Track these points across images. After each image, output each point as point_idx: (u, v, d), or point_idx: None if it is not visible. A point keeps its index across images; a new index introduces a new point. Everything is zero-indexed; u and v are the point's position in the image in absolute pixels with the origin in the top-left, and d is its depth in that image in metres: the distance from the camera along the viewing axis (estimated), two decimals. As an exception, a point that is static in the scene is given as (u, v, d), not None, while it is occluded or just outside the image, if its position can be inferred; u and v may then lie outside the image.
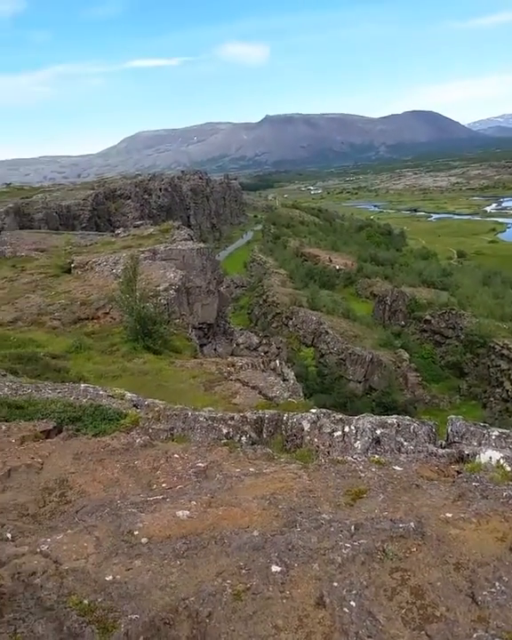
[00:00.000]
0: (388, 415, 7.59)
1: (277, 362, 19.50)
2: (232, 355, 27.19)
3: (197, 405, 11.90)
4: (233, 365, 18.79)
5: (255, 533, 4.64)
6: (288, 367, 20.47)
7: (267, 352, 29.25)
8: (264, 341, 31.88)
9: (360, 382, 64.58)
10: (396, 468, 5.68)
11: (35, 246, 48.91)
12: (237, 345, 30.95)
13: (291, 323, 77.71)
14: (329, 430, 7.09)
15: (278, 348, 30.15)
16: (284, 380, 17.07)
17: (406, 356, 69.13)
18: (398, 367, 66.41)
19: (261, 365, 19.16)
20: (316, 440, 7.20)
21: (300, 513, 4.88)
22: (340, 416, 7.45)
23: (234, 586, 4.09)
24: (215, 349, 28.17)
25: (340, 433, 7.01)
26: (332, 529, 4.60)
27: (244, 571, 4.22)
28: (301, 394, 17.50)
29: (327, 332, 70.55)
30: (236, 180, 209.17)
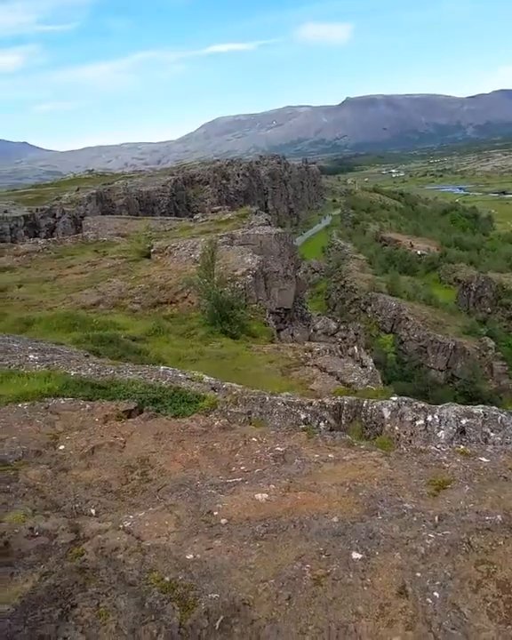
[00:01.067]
0: (472, 405, 7.33)
1: (356, 348, 19.26)
2: (309, 340, 27.08)
3: (274, 390, 11.92)
4: (310, 351, 18.70)
5: (335, 519, 4.58)
6: (366, 354, 20.20)
7: (344, 338, 28.97)
8: (342, 327, 31.59)
9: (442, 371, 63.07)
10: (483, 459, 5.46)
11: (116, 231, 50.31)
12: (315, 330, 30.79)
13: (369, 309, 76.70)
14: (411, 419, 6.92)
15: (356, 334, 29.78)
16: (362, 366, 16.84)
17: (492, 344, 66.80)
18: (483, 356, 64.34)
19: (339, 351, 18.98)
20: (396, 428, 7.05)
21: (381, 501, 4.77)
22: (423, 404, 7.25)
23: (313, 571, 4.05)
24: (292, 334, 28.14)
25: (422, 422, 6.82)
26: (415, 519, 4.48)
27: (323, 556, 4.17)
28: (380, 381, 17.23)
29: (407, 319, 69.19)
30: (314, 164, 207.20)
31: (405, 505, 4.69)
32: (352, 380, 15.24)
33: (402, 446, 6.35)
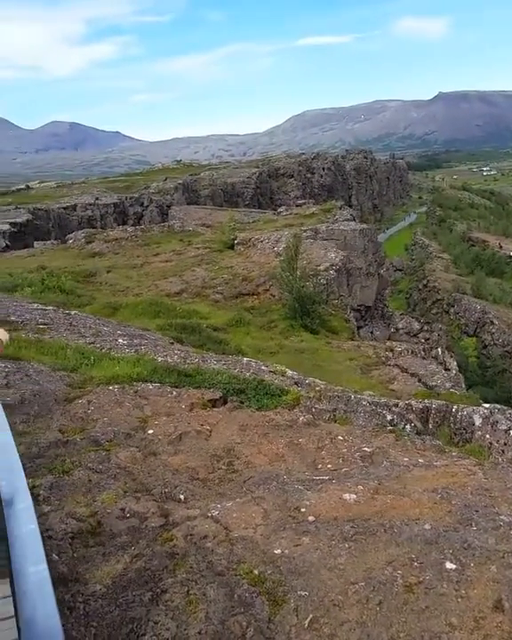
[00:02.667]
0: None
1: (439, 350, 18.79)
2: (389, 339, 26.65)
3: (354, 388, 11.80)
4: (391, 350, 18.39)
5: (426, 526, 4.47)
6: (450, 356, 19.67)
7: (427, 339, 28.33)
8: (425, 328, 30.89)
9: (527, 378, 60.66)
10: None
11: (201, 221, 51.10)
12: (396, 330, 30.24)
13: (452, 310, 74.61)
14: (505, 427, 6.67)
15: (439, 336, 29.10)
16: (445, 369, 16.42)
17: None
18: None
19: (422, 352, 18.56)
20: (488, 436, 6.81)
21: (476, 511, 4.62)
22: (518, 413, 6.98)
23: (405, 577, 3.97)
24: (371, 332, 27.77)
25: (517, 431, 6.57)
26: None
27: (415, 563, 4.08)
28: (463, 385, 16.76)
29: (492, 322, 66.87)
30: (402, 159, 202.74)
31: (502, 517, 4.52)
32: (434, 383, 14.89)
33: (495, 456, 6.13)
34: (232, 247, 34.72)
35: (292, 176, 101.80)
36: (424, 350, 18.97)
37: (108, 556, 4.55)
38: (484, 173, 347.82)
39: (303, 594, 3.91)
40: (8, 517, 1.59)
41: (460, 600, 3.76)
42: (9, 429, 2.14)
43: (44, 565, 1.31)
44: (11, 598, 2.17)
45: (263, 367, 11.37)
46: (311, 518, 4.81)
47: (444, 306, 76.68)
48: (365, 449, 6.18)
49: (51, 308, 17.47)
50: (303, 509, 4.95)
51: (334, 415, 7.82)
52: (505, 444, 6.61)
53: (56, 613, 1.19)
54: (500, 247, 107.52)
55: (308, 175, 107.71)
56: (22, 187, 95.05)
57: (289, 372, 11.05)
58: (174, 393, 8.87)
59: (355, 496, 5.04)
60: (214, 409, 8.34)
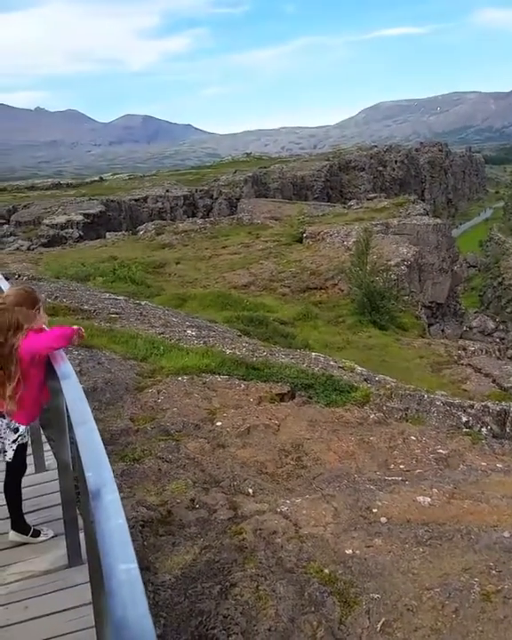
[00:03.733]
0: None
1: (516, 350, 18.11)
2: (461, 338, 25.92)
3: (424, 387, 11.49)
4: (464, 349, 17.87)
5: (506, 534, 4.28)
6: (526, 357, 18.95)
7: (503, 339, 27.38)
8: (501, 327, 29.85)
9: None
10: None
11: (270, 214, 51.03)
12: (469, 328, 29.41)
13: (527, 309, 71.85)
14: None
15: (517, 336, 28.08)
16: (521, 370, 15.82)
17: None
18: None
19: (496, 352, 17.96)
20: None
21: (560, 522, 4.39)
22: None
23: (482, 585, 3.81)
24: (442, 330, 27.09)
25: None
26: None
27: (493, 571, 3.91)
28: (540, 388, 16.07)
29: None
30: (478, 153, 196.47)
31: None
32: (510, 385, 14.34)
33: None
34: (301, 240, 34.54)
35: (363, 169, 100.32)
36: (499, 350, 18.34)
37: (178, 545, 4.56)
38: None
39: (375, 596, 3.80)
40: (95, 510, 1.57)
41: (541, 613, 3.58)
42: (93, 420, 2.13)
43: (135, 564, 1.27)
44: None
45: (332, 362, 11.22)
46: (383, 519, 4.69)
47: (520, 304, 73.95)
48: (440, 451, 5.99)
49: (122, 297, 17.82)
50: (375, 510, 4.83)
51: (406, 414, 7.63)
52: None
53: (148, 615, 1.15)
54: None
55: (380, 168, 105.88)
56: (96, 178, 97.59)
57: (358, 369, 10.87)
58: (242, 386, 8.86)
59: (429, 499, 4.88)
60: (282, 403, 8.28)
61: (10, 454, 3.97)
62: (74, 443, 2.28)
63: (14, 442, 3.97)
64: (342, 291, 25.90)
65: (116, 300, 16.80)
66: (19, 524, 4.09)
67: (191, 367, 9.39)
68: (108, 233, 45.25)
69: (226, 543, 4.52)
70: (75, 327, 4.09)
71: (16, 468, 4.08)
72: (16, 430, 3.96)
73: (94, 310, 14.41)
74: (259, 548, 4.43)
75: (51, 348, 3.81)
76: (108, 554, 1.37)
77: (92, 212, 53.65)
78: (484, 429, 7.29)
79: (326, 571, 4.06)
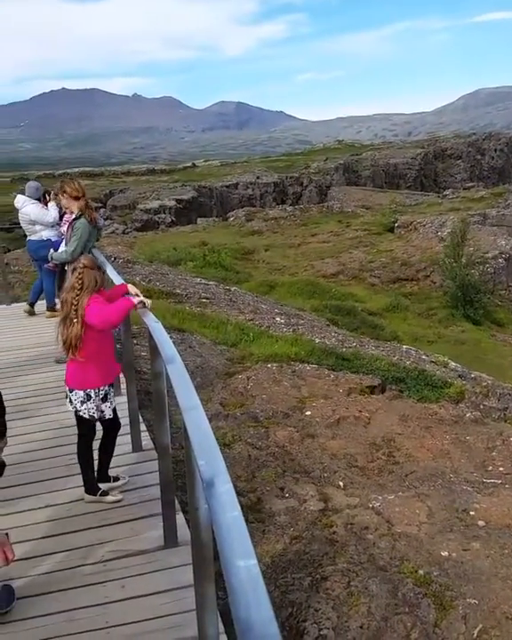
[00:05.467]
0: None
1: None
2: (560, 336, 24.63)
3: (521, 385, 10.98)
4: None
5: None
6: None
7: None
8: None
9: None
10: None
11: (360, 203, 50.18)
12: None
13: None
14: None
15: None
16: None
17: None
18: None
19: None
20: None
21: None
22: None
23: None
24: (540, 327, 25.81)
25: None
26: None
27: None
28: None
29: None
30: None
31: None
32: None
33: None
34: (392, 230, 33.75)
35: (460, 157, 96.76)
36: None
37: (268, 534, 4.55)
38: None
39: (473, 602, 3.65)
40: (210, 499, 1.53)
41: None
42: (201, 406, 2.11)
43: (254, 560, 1.22)
44: None
45: (424, 356, 10.93)
46: (481, 523, 4.50)
47: None
48: (543, 455, 5.69)
49: (212, 282, 18.03)
50: (472, 512, 4.64)
51: (505, 414, 7.31)
52: None
53: (274, 619, 1.09)
54: None
55: (478, 157, 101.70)
56: (189, 165, 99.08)
57: (451, 364, 10.52)
58: (332, 376, 8.75)
59: (531, 505, 4.64)
60: (372, 396, 8.11)
61: (108, 413, 4.28)
62: (182, 428, 2.27)
63: (109, 404, 4.27)
64: (434, 283, 25.16)
65: (207, 285, 17.02)
66: (104, 475, 4.42)
67: (280, 355, 9.37)
68: (199, 219, 45.94)
69: (316, 535, 4.47)
70: (134, 300, 4.23)
71: (115, 426, 4.44)
72: (105, 396, 4.24)
73: (186, 294, 14.66)
74: (350, 543, 4.35)
75: (109, 322, 4.11)
76: (226, 549, 1.33)
77: (184, 197, 54.62)
78: None
79: (421, 571, 3.93)
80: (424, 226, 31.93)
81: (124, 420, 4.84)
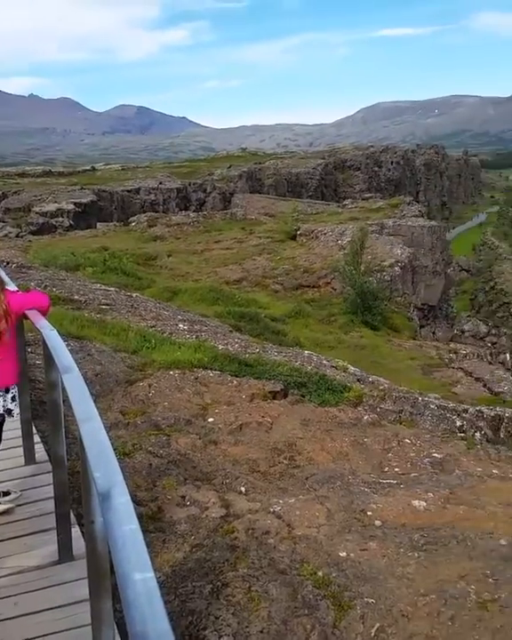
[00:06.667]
0: None
1: (508, 355, 18.15)
2: (451, 341, 25.98)
3: (415, 389, 11.46)
4: (455, 352, 17.89)
5: (502, 542, 4.23)
6: (517, 362, 19.01)
7: (495, 343, 27.45)
8: (493, 331, 29.91)
9: None
10: None
11: (263, 210, 50.92)
12: (461, 332, 29.44)
13: (519, 314, 72.13)
14: None
15: (507, 341, 28.11)
16: (512, 375, 15.84)
17: None
18: None
19: (488, 357, 17.98)
20: None
21: (557, 531, 4.35)
22: None
23: (479, 593, 3.76)
24: (433, 333, 27.13)
25: None
26: None
27: (490, 580, 3.86)
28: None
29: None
30: (475, 157, 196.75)
31: None
32: (500, 389, 14.35)
33: None
34: (294, 238, 34.43)
35: (359, 169, 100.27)
36: (491, 354, 18.36)
37: (168, 543, 4.48)
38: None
39: (370, 601, 3.74)
40: (106, 512, 1.48)
41: (539, 623, 3.53)
42: (99, 417, 2.03)
43: (151, 573, 1.18)
44: None
45: (325, 361, 11.17)
46: (378, 523, 4.63)
47: (512, 310, 74.22)
48: (435, 455, 5.94)
49: (113, 288, 17.66)
50: (369, 513, 4.77)
51: (400, 416, 7.59)
52: None
53: (170, 631, 1.06)
54: None
55: (376, 168, 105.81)
56: (88, 168, 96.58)
57: (351, 369, 10.81)
58: (235, 382, 8.77)
59: (424, 503, 4.83)
60: (275, 401, 8.20)
61: (16, 411, 4.29)
62: (77, 439, 2.18)
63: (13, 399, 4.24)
64: (335, 289, 25.87)
65: (108, 291, 16.64)
66: None
67: (183, 361, 9.28)
68: (98, 223, 44.91)
69: (217, 542, 4.44)
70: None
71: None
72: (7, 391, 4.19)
73: (85, 301, 14.26)
74: (251, 548, 4.35)
75: (40, 303, 4.18)
76: (122, 562, 1.28)
77: (83, 201, 53.12)
78: (477, 434, 7.26)
79: (320, 573, 3.99)
80: (325, 234, 32.80)
81: (17, 432, 4.63)
